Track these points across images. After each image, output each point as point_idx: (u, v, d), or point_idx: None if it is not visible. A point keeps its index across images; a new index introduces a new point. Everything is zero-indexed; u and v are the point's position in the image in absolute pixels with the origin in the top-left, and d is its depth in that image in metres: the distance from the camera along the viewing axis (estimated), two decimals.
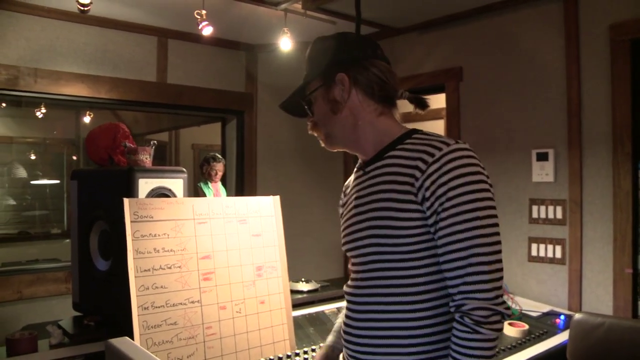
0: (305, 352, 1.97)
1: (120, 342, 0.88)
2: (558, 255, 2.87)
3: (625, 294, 2.60)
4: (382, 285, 1.15)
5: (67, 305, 2.26)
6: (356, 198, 1.25)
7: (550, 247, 2.90)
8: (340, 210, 1.39)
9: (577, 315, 2.26)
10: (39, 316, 3.13)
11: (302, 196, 4.18)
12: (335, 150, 1.32)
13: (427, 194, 1.09)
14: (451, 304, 1.09)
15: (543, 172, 2.93)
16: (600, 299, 2.69)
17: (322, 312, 2.40)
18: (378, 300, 1.16)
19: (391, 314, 1.14)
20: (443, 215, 1.07)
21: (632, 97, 2.63)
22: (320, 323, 2.29)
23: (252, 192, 4.19)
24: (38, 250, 5.06)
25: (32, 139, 6.06)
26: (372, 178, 1.21)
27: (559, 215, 2.87)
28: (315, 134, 1.30)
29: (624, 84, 2.64)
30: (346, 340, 1.23)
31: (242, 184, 4.26)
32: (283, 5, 3.14)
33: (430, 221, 1.10)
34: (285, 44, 3.28)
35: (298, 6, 3.16)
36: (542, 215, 2.94)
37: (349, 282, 1.27)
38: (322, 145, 1.31)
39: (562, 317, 2.55)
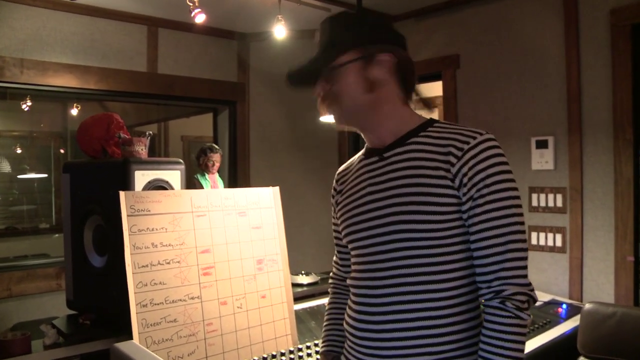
0: (308, 347, 1.93)
1: (126, 346, 0.82)
2: (558, 243, 2.84)
3: (626, 282, 2.58)
4: (410, 274, 1.10)
5: (59, 302, 2.20)
6: (371, 185, 1.19)
7: (550, 235, 2.88)
8: (335, 200, 1.33)
9: (588, 305, 2.23)
10: (29, 314, 3.06)
11: (297, 187, 4.12)
12: (340, 129, 1.25)
13: (465, 180, 1.09)
14: (486, 290, 1.09)
15: (543, 160, 2.90)
16: (602, 287, 2.68)
17: (324, 305, 2.34)
18: (407, 290, 1.11)
19: (422, 304, 1.09)
20: (480, 201, 1.08)
21: (633, 82, 2.60)
22: (322, 316, 2.23)
23: (246, 183, 4.12)
24: (27, 246, 4.97)
25: (18, 132, 5.93)
26: (393, 164, 1.17)
27: (559, 203, 2.84)
28: (325, 106, 1.20)
29: (624, 70, 2.61)
30: (362, 338, 1.16)
31: (235, 176, 4.19)
32: None
33: (465, 207, 1.09)
34: (280, 31, 3.20)
35: None
36: (542, 204, 2.91)
37: (356, 275, 1.20)
38: (330, 118, 1.23)
39: (564, 306, 2.53)
